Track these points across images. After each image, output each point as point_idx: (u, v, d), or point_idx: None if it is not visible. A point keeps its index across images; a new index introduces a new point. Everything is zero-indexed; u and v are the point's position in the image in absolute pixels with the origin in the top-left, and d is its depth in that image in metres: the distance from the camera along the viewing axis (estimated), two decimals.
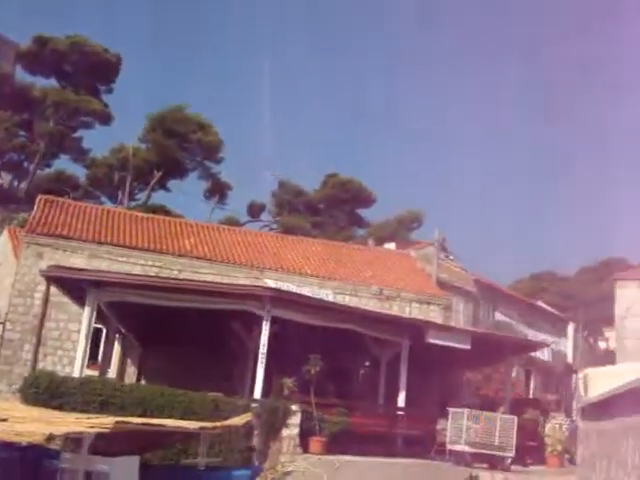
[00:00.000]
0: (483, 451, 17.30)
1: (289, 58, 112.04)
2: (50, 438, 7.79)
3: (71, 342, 22.56)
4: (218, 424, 11.67)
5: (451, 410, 17.82)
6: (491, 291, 38.65)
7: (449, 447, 17.46)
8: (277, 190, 59.00)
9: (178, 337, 20.39)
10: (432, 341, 18.79)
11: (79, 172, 52.93)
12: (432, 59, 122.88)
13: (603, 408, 11.41)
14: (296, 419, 15.64)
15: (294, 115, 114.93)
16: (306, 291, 23.76)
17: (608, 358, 45.86)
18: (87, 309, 16.75)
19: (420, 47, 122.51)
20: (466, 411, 17.68)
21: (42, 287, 21.97)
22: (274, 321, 16.60)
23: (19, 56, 52.79)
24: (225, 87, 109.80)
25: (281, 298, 17.00)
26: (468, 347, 19.25)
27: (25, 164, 51.51)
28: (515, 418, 17.87)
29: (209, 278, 23.50)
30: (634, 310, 39.62)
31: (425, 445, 18.37)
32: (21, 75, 53.43)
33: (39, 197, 26.80)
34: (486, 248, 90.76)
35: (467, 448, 17.23)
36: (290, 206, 57.91)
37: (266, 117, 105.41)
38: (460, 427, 17.40)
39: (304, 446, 15.69)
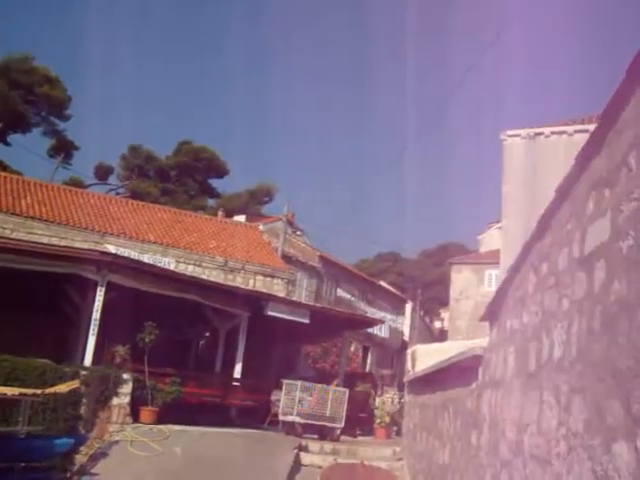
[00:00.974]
0: (314, 422, 17.71)
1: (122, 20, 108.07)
2: None
3: None
4: (39, 391, 11.14)
5: (285, 382, 18.07)
6: (335, 268, 39.60)
7: (281, 418, 17.73)
8: (127, 154, 57.04)
9: (9, 301, 19.24)
10: (271, 314, 18.93)
11: None
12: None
13: (426, 382, 12.01)
14: (127, 388, 15.25)
15: (150, 81, 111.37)
16: (147, 258, 23.22)
17: (442, 337, 48.51)
18: None
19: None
20: (299, 383, 18.00)
21: None
22: (110, 287, 16.04)
23: None
24: (75, 41, 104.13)
25: (118, 263, 16.44)
26: (307, 321, 19.58)
27: None
28: (347, 391, 18.40)
29: (44, 240, 22.34)
30: (467, 293, 42.10)
31: (260, 416, 18.58)
32: None
33: None
34: (333, 227, 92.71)
35: (298, 419, 17.57)
36: (140, 171, 56.22)
37: (122, 80, 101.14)
38: (293, 398, 17.71)
39: (135, 415, 15.35)
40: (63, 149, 52.32)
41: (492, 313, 6.65)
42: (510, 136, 22.07)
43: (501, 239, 22.65)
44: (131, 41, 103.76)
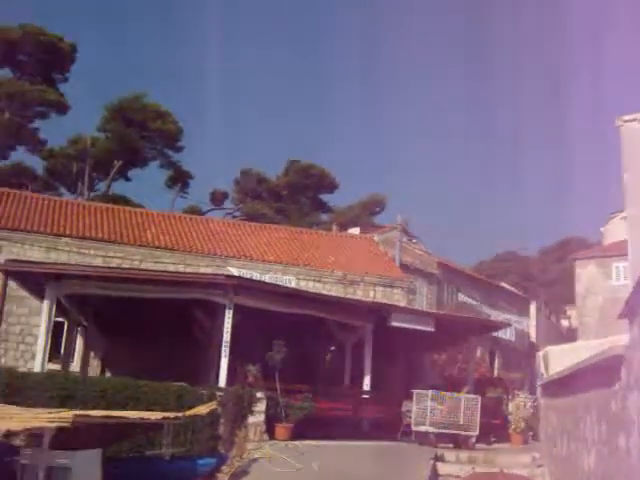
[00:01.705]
0: (447, 431, 17.50)
1: (241, 50, 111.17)
2: (8, 434, 7.69)
3: (33, 337, 22.22)
4: (181, 414, 11.63)
5: (415, 392, 17.98)
6: (454, 273, 39.06)
7: (414, 429, 17.63)
8: (240, 178, 58.77)
9: (141, 328, 20.24)
10: (395, 324, 18.92)
11: (37, 164, 52.16)
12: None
13: (563, 385, 11.62)
14: (261, 406, 15.64)
15: (253, 103, 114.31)
16: (269, 278, 23.76)
17: (571, 336, 46.77)
18: (46, 303, 16.50)
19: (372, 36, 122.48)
20: (430, 392, 17.86)
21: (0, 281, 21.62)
22: (237, 309, 16.55)
23: None
24: (181, 76, 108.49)
25: (243, 286, 16.95)
26: (431, 329, 19.43)
27: None
28: (479, 397, 18.09)
29: (171, 268, 23.38)
30: (594, 288, 40.42)
31: (391, 428, 18.52)
32: None
33: None
34: (449, 231, 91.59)
35: (431, 429, 17.42)
36: (253, 193, 57.72)
37: (226, 106, 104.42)
38: (425, 408, 17.58)
39: (270, 433, 15.72)
40: (179, 179, 54.51)
41: (631, 309, 6.38)
42: (627, 121, 21.11)
43: (627, 229, 21.65)
44: (227, 63, 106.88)
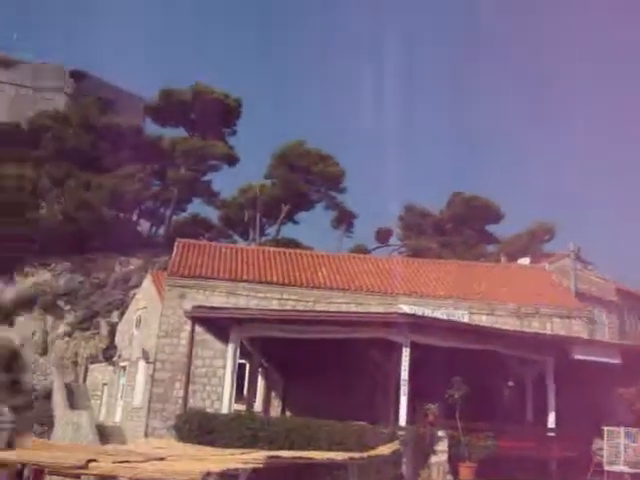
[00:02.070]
0: None
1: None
2: (207, 476, 8.12)
3: (217, 378, 23.38)
4: (365, 454, 11.74)
5: (606, 429, 16.99)
6: (635, 299, 36.64)
7: (607, 468, 16.62)
8: (403, 214, 58.99)
9: (318, 368, 20.70)
10: (579, 357, 18.05)
11: (211, 214, 55.54)
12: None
13: None
14: (443, 445, 15.45)
15: (411, 140, 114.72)
16: (441, 314, 23.53)
17: None
18: (231, 346, 17.35)
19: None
20: (622, 429, 16.81)
21: (187, 327, 22.94)
22: (414, 347, 16.53)
23: (148, 110, 55.99)
24: (335, 118, 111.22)
25: (418, 323, 16.93)
26: (618, 361, 18.35)
27: (161, 210, 54.39)
28: None
29: (344, 307, 23.79)
30: None
31: (580, 468, 17.55)
32: (150, 127, 56.91)
33: (177, 241, 28.16)
34: (625, 254, 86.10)
35: (626, 468, 16.34)
36: (417, 228, 57.65)
37: (387, 143, 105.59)
38: (617, 446, 16.56)
39: (454, 472, 15.44)
40: (344, 219, 55.61)
41: None
42: None
43: None
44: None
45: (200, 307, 19.14)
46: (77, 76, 61.98)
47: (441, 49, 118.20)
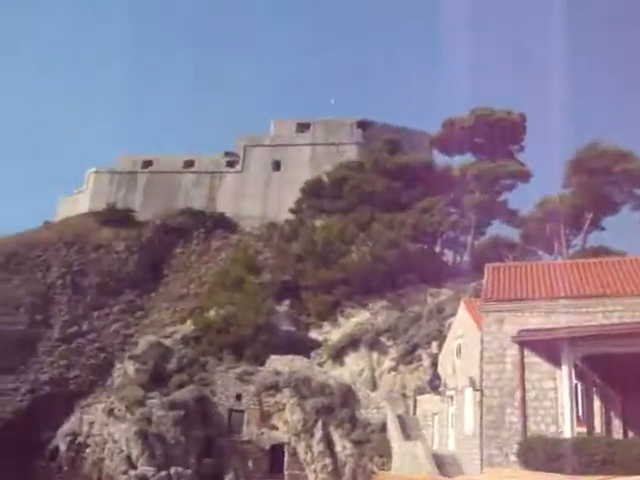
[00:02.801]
0: None
1: None
2: None
3: (549, 401, 22.67)
4: None
5: None
6: None
7: None
8: None
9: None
10: None
11: (512, 233, 54.72)
12: None
13: None
14: None
15: None
16: None
17: None
18: (565, 366, 16.84)
19: None
20: None
21: (510, 351, 22.72)
22: None
23: (432, 142, 57.43)
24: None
25: None
26: None
27: (461, 238, 54.92)
28: None
29: None
30: None
31: None
32: (438, 159, 58.28)
33: (486, 266, 28.11)
34: None
35: None
36: None
37: None
38: None
39: None
40: None
41: None
42: None
43: None
44: None
45: (527, 330, 18.92)
46: (364, 125, 65.88)
47: None
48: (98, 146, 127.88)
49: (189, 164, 70.17)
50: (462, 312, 31.89)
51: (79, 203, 70.97)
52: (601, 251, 44.23)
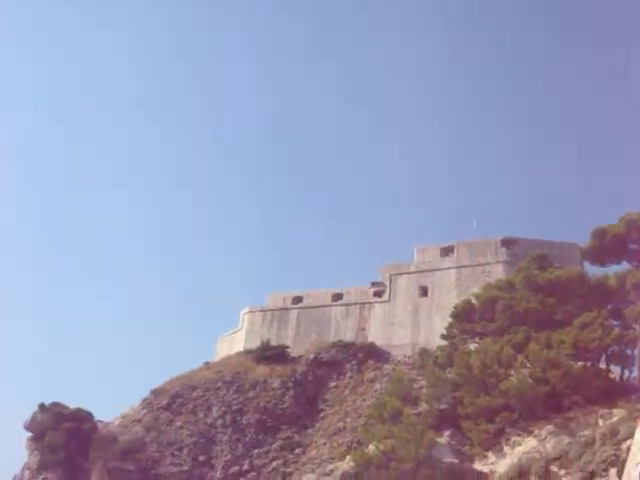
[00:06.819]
0: None
1: None
2: None
3: None
4: None
5: None
6: None
7: None
8: None
9: None
10: None
11: None
12: None
13: None
14: None
15: None
16: None
17: None
18: None
19: None
20: None
21: None
22: None
23: (584, 253, 55.57)
24: None
25: None
26: None
27: (627, 351, 51.43)
28: None
29: None
30: None
31: None
32: (590, 270, 56.11)
33: None
34: None
35: None
36: None
37: None
38: None
39: None
40: None
41: None
42: None
43: None
44: None
45: None
46: (508, 243, 65.07)
47: None
48: (250, 287, 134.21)
49: (337, 297, 71.51)
50: None
51: (235, 342, 73.57)
52: None
